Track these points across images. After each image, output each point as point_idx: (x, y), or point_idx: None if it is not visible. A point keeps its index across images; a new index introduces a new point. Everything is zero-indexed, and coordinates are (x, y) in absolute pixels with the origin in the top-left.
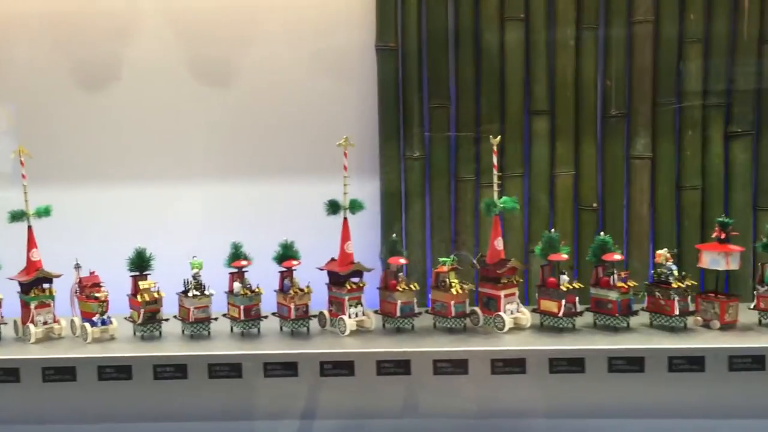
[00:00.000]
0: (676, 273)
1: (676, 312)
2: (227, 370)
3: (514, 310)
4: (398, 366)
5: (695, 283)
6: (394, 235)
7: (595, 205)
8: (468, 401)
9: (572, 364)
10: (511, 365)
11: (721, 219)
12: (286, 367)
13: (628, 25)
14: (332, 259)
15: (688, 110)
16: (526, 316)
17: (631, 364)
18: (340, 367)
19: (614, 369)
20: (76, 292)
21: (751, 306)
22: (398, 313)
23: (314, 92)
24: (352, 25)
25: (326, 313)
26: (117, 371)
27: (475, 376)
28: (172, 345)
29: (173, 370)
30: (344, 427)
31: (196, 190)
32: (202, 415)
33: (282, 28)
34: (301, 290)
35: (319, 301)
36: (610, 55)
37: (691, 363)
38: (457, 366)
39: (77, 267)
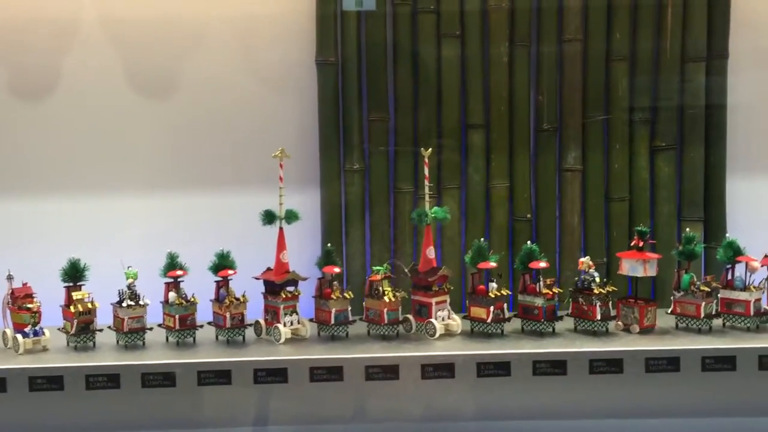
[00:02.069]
0: (597, 280)
1: (598, 317)
2: (160, 379)
3: (445, 317)
4: (331, 372)
5: (616, 289)
6: (329, 244)
7: (528, 215)
8: (400, 406)
9: (499, 368)
10: (440, 370)
11: (639, 228)
12: (220, 375)
13: (559, 43)
14: (268, 269)
15: (615, 125)
16: (456, 322)
17: (554, 367)
18: (273, 375)
19: (538, 372)
20: (8, 304)
21: (669, 311)
22: (332, 321)
23: (255, 105)
24: (293, 39)
25: (262, 321)
26: (48, 382)
27: (406, 381)
28: (105, 355)
29: (105, 380)
30: None
31: (138, 200)
32: (136, 425)
33: (224, 42)
34: (237, 299)
35: (257, 310)
36: (541, 71)
37: (611, 365)
38: (388, 371)
39: (9, 278)
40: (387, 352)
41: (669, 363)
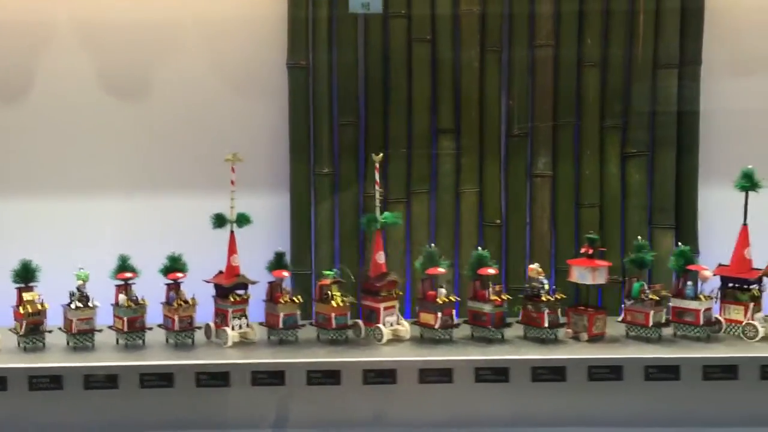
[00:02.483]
0: (546, 287)
1: (545, 324)
2: (102, 381)
3: (393, 322)
4: (273, 377)
5: (565, 296)
6: (280, 248)
7: (498, 221)
8: (340, 411)
9: (441, 374)
10: (382, 376)
11: (589, 235)
12: (162, 378)
13: (530, 48)
14: (220, 272)
15: (586, 131)
16: (405, 328)
17: (497, 374)
18: (216, 378)
19: (480, 379)
20: None
21: (619, 319)
22: (281, 325)
23: (227, 108)
24: (265, 43)
25: (212, 324)
26: None
27: (348, 387)
28: (51, 356)
29: (48, 382)
30: None
31: (110, 202)
32: (77, 427)
33: (197, 45)
34: (185, 302)
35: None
36: (512, 76)
37: (553, 373)
38: (329, 377)
39: None
40: (331, 357)
41: (611, 372)
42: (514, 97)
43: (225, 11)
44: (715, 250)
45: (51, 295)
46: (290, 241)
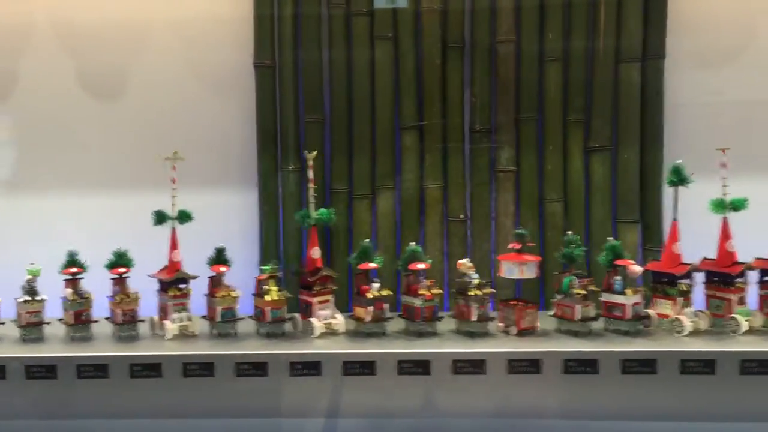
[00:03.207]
0: (475, 281)
1: (474, 318)
2: (43, 371)
3: (328, 316)
4: (203, 368)
5: (494, 291)
6: (221, 244)
7: (462, 216)
8: (268, 402)
9: (364, 367)
10: (308, 368)
11: (517, 231)
12: (98, 369)
13: (492, 44)
14: (164, 267)
15: (549, 125)
16: (340, 321)
17: (417, 366)
18: (149, 369)
19: (403, 372)
20: None
21: (551, 314)
22: (218, 318)
23: (196, 107)
24: (233, 43)
25: (156, 318)
26: None
27: (275, 378)
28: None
29: None
30: (153, 426)
31: (82, 200)
32: (20, 415)
33: (165, 45)
34: (128, 296)
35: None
36: (475, 72)
37: (474, 366)
38: (257, 369)
39: None
40: (260, 350)
41: (531, 365)
42: (476, 92)
43: (195, 11)
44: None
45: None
46: (259, 236)
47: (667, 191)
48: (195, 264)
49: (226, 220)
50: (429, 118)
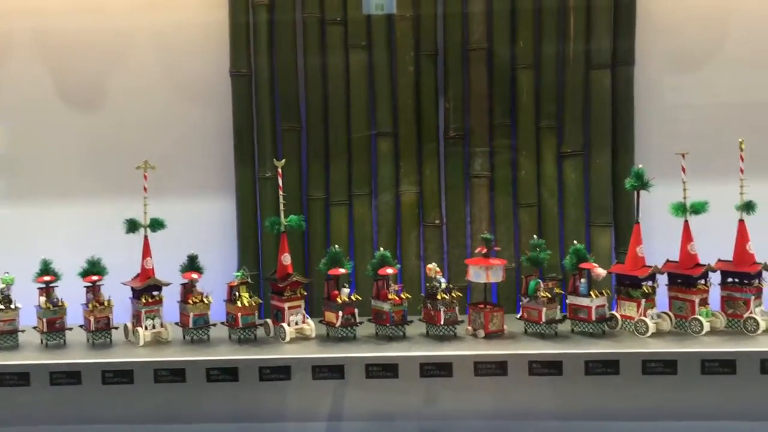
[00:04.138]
0: (443, 285)
1: (441, 322)
2: (16, 379)
3: (299, 321)
4: (174, 374)
5: (461, 295)
6: (193, 251)
7: (438, 221)
8: (239, 407)
9: (333, 371)
10: (277, 372)
11: (484, 235)
12: (70, 376)
13: (464, 51)
14: (137, 275)
15: (522, 131)
16: (310, 326)
17: (386, 370)
18: (120, 376)
19: (371, 375)
20: None
21: (518, 316)
22: (191, 325)
23: (174, 115)
24: (210, 51)
25: (129, 325)
26: None
27: (245, 383)
28: None
29: None
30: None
31: (60, 207)
32: None
33: (142, 54)
34: (101, 304)
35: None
36: (448, 79)
37: (440, 369)
38: (228, 374)
39: None
40: (230, 355)
41: (497, 367)
42: (450, 99)
43: (173, 19)
44: (652, 248)
45: None
46: (237, 243)
47: (643, 195)
48: (173, 271)
49: (203, 227)
50: (404, 124)
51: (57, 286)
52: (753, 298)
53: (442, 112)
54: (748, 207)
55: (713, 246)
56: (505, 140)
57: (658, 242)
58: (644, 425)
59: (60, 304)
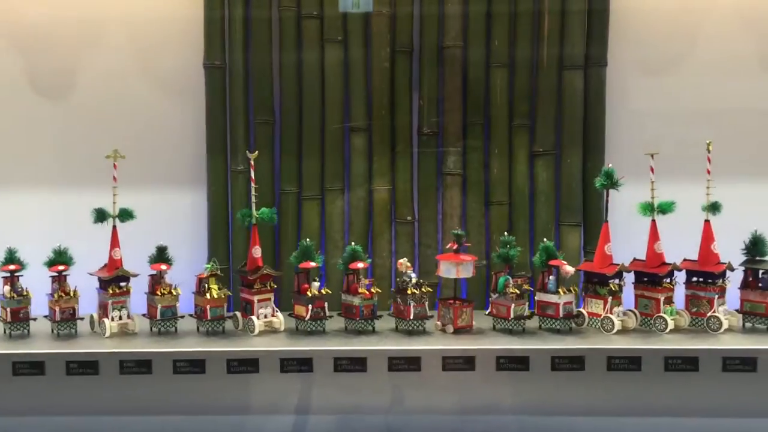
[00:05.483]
0: (414, 280)
1: (411, 316)
2: None
3: (268, 314)
4: (140, 366)
5: (431, 290)
6: (161, 242)
7: (410, 218)
8: (205, 399)
9: (301, 364)
10: (245, 365)
11: (455, 231)
12: (34, 366)
13: (440, 49)
14: (105, 265)
15: (495, 130)
16: (279, 319)
17: (354, 364)
18: (85, 367)
19: (339, 369)
20: None
21: (487, 312)
22: (158, 316)
23: (147, 107)
24: (183, 43)
25: (95, 315)
26: None
27: (212, 376)
28: None
29: None
30: (89, 423)
31: (32, 198)
32: None
33: (116, 45)
34: (66, 294)
35: None
36: (423, 76)
37: (408, 363)
38: (195, 366)
39: None
40: (198, 347)
41: (464, 362)
42: (424, 96)
43: (146, 12)
44: (622, 247)
45: None
46: (208, 236)
47: (610, 195)
48: (144, 263)
49: (175, 219)
50: (378, 120)
51: (22, 275)
52: (717, 297)
53: (416, 109)
54: (713, 208)
55: (681, 245)
56: (478, 139)
57: (627, 241)
58: (609, 420)
59: (24, 293)
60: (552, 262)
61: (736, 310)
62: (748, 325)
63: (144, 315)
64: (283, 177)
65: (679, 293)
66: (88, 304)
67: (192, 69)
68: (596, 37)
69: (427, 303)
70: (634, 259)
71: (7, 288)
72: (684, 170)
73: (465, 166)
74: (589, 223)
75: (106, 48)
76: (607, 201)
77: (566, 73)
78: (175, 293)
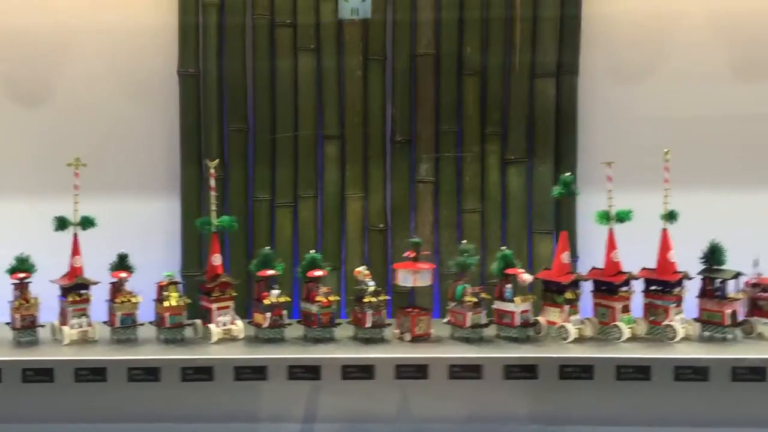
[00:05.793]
0: (371, 289)
1: (368, 324)
2: None
3: (227, 322)
4: (95, 374)
5: (388, 297)
6: (122, 250)
7: (382, 225)
8: (159, 407)
9: (255, 372)
10: (200, 373)
11: (412, 239)
12: None
13: (412, 57)
14: (66, 273)
15: (467, 137)
16: (239, 327)
17: (308, 372)
18: (41, 374)
19: (293, 377)
20: None
21: (445, 321)
22: (118, 324)
23: (121, 114)
24: (157, 50)
25: (56, 323)
26: None
27: (167, 384)
28: None
29: None
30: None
31: (6, 204)
32: None
33: (90, 52)
34: (27, 301)
35: None
36: (395, 84)
37: (363, 371)
38: (149, 374)
39: None
40: (153, 355)
41: (417, 371)
42: (396, 104)
43: (119, 19)
44: (594, 255)
45: None
46: (181, 244)
47: (581, 202)
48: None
49: (149, 226)
50: (350, 128)
51: None
52: (673, 306)
53: (389, 117)
54: (670, 216)
55: (647, 253)
56: (450, 146)
57: (596, 248)
58: (560, 429)
59: None
60: (508, 271)
61: (694, 319)
62: (707, 334)
63: (105, 323)
64: (256, 184)
65: (640, 302)
66: (53, 312)
67: (167, 76)
68: (568, 45)
69: (385, 311)
70: (593, 268)
71: None
72: (658, 177)
73: (438, 174)
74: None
75: (80, 55)
76: (567, 209)
77: (538, 81)
78: (134, 301)
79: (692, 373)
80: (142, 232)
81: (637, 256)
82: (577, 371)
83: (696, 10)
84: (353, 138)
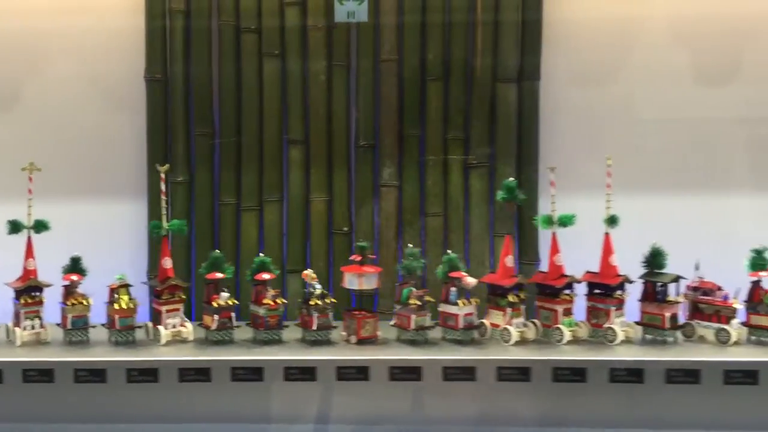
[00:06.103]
0: (317, 291)
1: (314, 327)
2: None
3: (176, 324)
4: (42, 375)
5: (335, 300)
6: (76, 253)
7: (346, 229)
8: (105, 409)
9: (199, 373)
10: (145, 374)
11: (359, 243)
12: None
13: (376, 62)
14: (20, 276)
15: (430, 142)
16: (188, 329)
17: (251, 373)
18: None
19: (236, 378)
20: None
21: (391, 323)
22: (69, 326)
23: (88, 118)
24: (123, 55)
25: (10, 325)
26: None
27: (113, 385)
28: None
29: None
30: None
31: None
32: None
33: (57, 56)
34: None
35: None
36: (359, 89)
37: (304, 373)
38: (96, 375)
39: None
40: (99, 356)
41: (358, 372)
42: (360, 109)
43: (86, 24)
44: (569, 258)
45: None
46: (147, 248)
47: (543, 206)
48: (90, 275)
49: (115, 230)
50: (315, 133)
51: None
52: (614, 309)
53: (353, 121)
54: (611, 221)
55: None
56: (413, 151)
57: (574, 252)
58: (496, 430)
59: None
60: (452, 274)
61: (636, 322)
62: (648, 336)
63: (58, 325)
64: (222, 188)
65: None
66: (7, 314)
67: (133, 81)
68: (529, 50)
69: (331, 314)
70: (538, 271)
71: None
72: (619, 181)
73: (401, 178)
74: (523, 234)
75: (47, 59)
76: (514, 214)
77: (500, 85)
78: (86, 303)
79: (627, 375)
80: (110, 235)
81: (589, 260)
82: (515, 373)
83: (657, 14)
84: (317, 142)
